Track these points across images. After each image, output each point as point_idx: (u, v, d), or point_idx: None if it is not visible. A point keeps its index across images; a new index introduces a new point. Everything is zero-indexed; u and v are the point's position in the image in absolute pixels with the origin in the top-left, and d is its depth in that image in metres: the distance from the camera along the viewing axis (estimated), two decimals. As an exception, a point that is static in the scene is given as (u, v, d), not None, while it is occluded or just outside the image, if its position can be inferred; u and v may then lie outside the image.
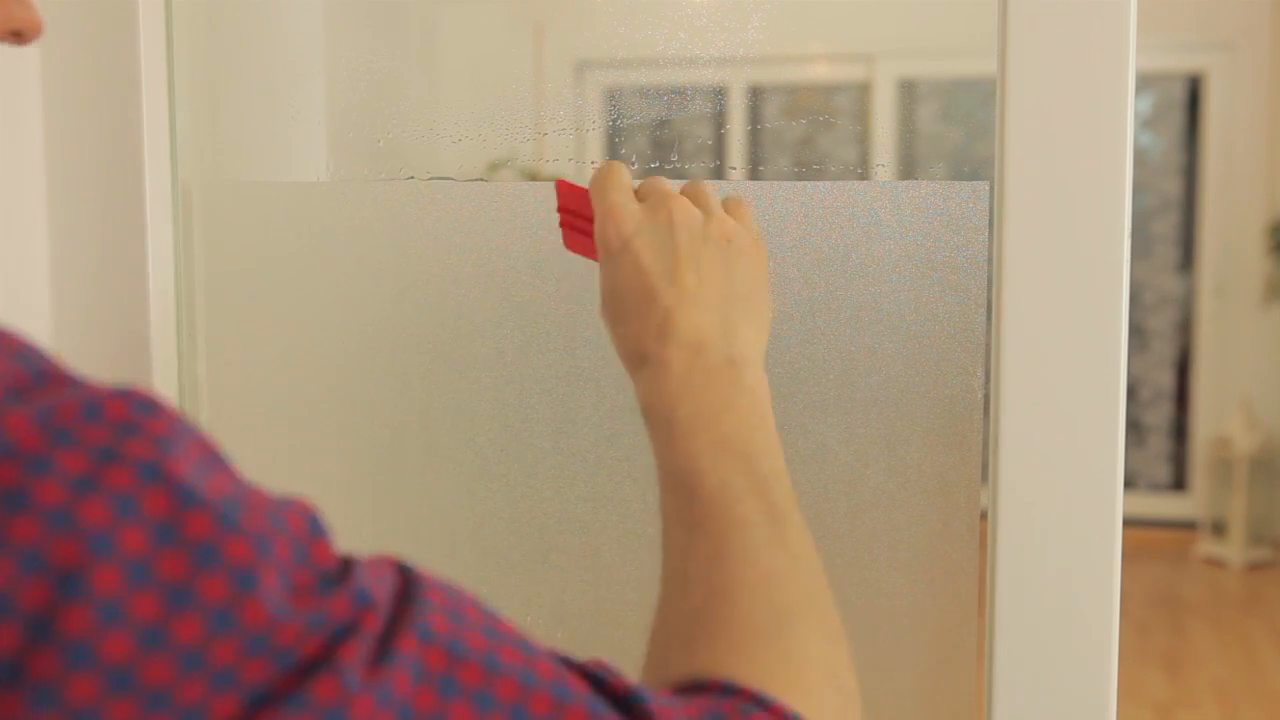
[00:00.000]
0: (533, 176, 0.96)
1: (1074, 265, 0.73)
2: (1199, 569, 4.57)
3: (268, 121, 0.94)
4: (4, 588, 0.31)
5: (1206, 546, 4.64)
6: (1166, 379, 5.00)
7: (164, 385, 0.87)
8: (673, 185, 0.67)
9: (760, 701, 0.45)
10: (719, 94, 0.83)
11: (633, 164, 0.86)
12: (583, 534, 0.85)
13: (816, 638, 0.52)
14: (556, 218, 0.73)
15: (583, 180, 0.71)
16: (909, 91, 4.39)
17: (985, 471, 0.77)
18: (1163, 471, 5.02)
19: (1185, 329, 4.95)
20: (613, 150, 0.84)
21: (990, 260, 0.77)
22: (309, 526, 0.38)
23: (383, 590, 0.38)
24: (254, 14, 0.96)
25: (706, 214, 0.64)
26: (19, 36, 0.53)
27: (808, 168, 0.85)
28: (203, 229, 0.88)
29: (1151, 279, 4.94)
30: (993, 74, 0.74)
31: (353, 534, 0.87)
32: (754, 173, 2.36)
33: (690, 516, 0.55)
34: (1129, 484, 4.88)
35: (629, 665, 0.86)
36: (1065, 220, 0.73)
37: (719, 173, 0.90)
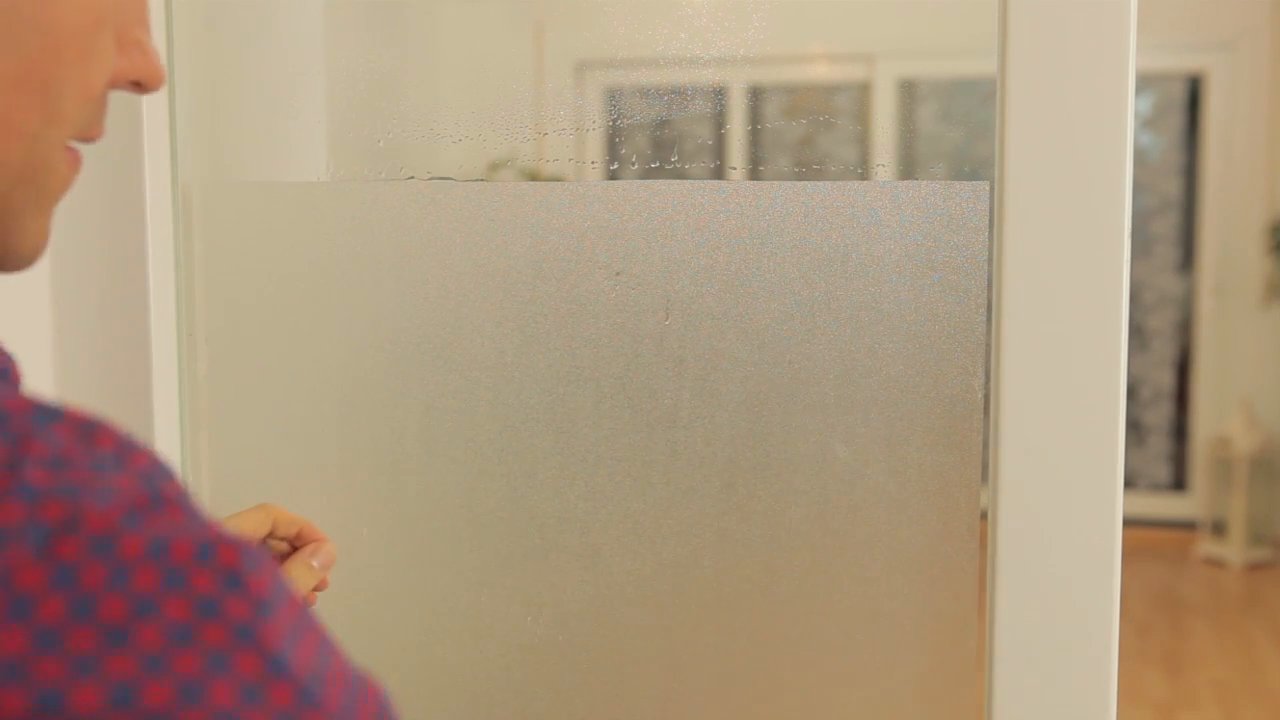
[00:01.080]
0: (533, 176, 0.96)
1: (1074, 265, 0.73)
2: (1199, 569, 4.57)
3: (268, 121, 0.94)
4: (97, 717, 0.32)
5: (1206, 546, 4.64)
6: (1166, 379, 5.00)
7: (164, 385, 0.87)
8: None
9: None
10: (719, 94, 0.83)
11: (632, 164, 0.86)
12: (582, 534, 0.84)
13: None
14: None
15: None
16: (909, 91, 4.39)
17: (985, 471, 0.77)
18: (1163, 471, 5.01)
19: (1185, 329, 4.95)
20: (613, 150, 0.84)
21: (990, 260, 0.77)
22: (378, 710, 0.40)
23: None
24: (254, 14, 0.96)
25: None
26: (139, 87, 0.49)
27: (808, 168, 0.84)
28: (203, 229, 0.88)
29: (1151, 279, 4.94)
30: (993, 74, 0.74)
31: (353, 534, 0.87)
32: (754, 173, 2.36)
33: None
34: (1129, 484, 4.88)
35: (629, 661, 0.86)
36: (1065, 220, 0.73)
37: (719, 173, 0.90)
